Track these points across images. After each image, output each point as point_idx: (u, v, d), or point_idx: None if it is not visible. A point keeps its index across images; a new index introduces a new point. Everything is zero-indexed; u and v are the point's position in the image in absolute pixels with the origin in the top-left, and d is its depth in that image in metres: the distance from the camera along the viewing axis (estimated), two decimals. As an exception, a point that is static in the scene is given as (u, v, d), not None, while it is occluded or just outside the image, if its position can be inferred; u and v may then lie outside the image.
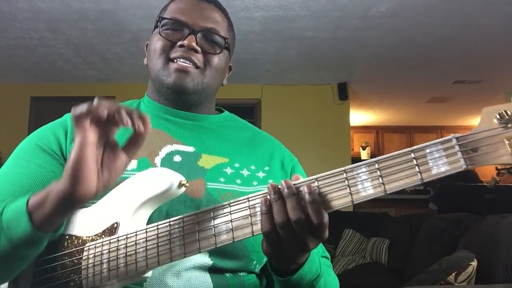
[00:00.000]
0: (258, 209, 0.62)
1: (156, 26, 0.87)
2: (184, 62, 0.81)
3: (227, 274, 0.76)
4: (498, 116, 0.54)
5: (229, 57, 0.93)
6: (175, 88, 0.83)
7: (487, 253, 1.75)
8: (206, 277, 0.74)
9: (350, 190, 0.58)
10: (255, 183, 0.84)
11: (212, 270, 0.75)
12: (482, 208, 3.89)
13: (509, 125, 0.53)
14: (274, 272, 0.68)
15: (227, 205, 0.64)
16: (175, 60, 0.82)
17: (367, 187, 0.58)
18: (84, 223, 0.74)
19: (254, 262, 0.80)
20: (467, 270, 1.66)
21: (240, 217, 0.63)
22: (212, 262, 0.74)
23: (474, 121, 6.81)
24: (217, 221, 0.64)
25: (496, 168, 5.72)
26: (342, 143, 4.94)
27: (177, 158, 0.81)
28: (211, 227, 0.63)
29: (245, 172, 0.84)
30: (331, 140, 4.89)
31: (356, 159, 6.09)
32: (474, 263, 1.67)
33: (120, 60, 4.18)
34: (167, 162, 0.80)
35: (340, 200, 0.58)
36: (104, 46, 3.84)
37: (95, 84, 4.84)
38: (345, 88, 4.90)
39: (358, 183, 0.58)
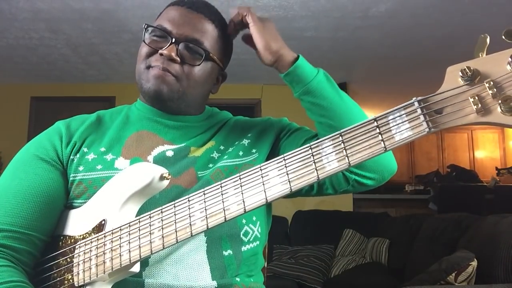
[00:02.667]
0: (230, 193, 0.62)
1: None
2: (161, 70, 0.83)
3: (225, 253, 0.79)
4: (461, 74, 0.50)
5: (222, 66, 0.93)
6: (151, 94, 0.85)
7: (487, 253, 1.75)
8: (204, 260, 0.77)
9: (315, 166, 0.56)
10: (241, 153, 0.88)
11: (208, 252, 0.78)
12: (482, 208, 3.89)
13: (474, 82, 0.49)
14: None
15: (202, 193, 0.64)
16: (154, 67, 0.84)
17: (331, 161, 0.55)
18: (76, 223, 0.77)
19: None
20: (467, 270, 1.66)
21: (214, 203, 0.63)
22: (207, 245, 0.78)
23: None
24: (192, 209, 0.64)
25: (496, 168, 5.71)
26: (342, 143, 4.93)
27: (169, 153, 0.86)
28: (187, 216, 0.64)
29: (230, 149, 0.89)
30: (331, 140, 4.87)
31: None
32: (474, 263, 1.67)
33: (120, 60, 4.17)
34: (160, 157, 0.84)
35: (306, 176, 0.57)
36: (104, 46, 3.83)
37: (95, 84, 4.84)
38: (345, 88, 4.90)
39: (323, 158, 0.56)
